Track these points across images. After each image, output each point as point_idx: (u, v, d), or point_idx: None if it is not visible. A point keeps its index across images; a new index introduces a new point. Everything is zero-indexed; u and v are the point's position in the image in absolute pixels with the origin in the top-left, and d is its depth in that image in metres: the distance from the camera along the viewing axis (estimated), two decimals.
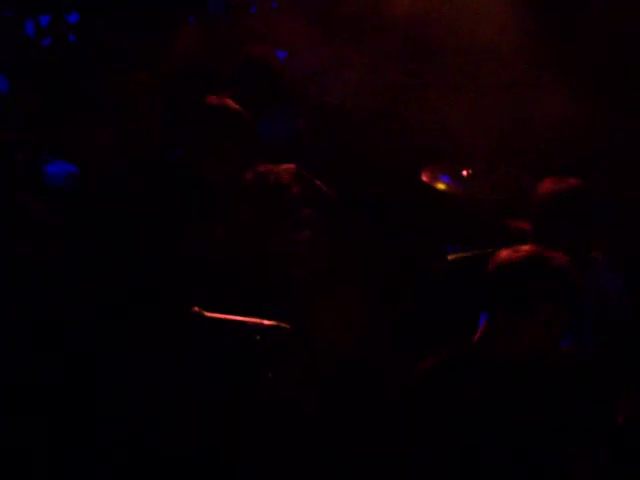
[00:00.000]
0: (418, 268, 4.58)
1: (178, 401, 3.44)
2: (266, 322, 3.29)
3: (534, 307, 3.11)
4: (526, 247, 3.19)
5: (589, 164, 5.00)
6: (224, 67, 5.33)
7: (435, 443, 3.05)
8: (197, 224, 3.77)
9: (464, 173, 4.81)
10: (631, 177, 4.94)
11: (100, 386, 3.39)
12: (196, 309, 3.31)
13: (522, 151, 5.26)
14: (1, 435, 3.21)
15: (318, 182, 4.17)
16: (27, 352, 3.31)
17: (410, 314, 4.26)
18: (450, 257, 4.30)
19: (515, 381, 3.12)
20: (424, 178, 4.74)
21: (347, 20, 5.73)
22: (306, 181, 3.98)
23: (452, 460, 3.04)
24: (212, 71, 5.44)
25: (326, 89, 5.55)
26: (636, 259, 4.30)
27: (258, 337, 3.28)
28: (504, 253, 3.18)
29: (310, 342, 3.52)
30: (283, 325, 3.30)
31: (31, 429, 3.24)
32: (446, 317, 4.06)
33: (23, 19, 5.82)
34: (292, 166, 3.89)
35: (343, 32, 5.71)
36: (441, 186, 4.75)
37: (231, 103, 4.07)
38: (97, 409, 3.35)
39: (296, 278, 3.74)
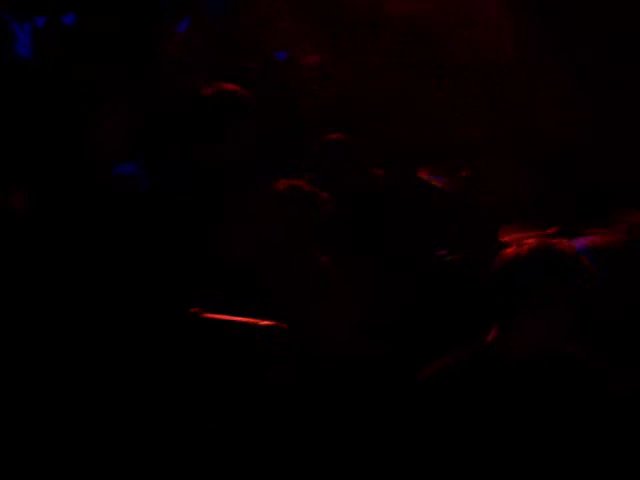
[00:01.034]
0: (417, 268, 4.59)
1: (176, 402, 3.45)
2: (263, 322, 3.30)
3: (551, 298, 3.06)
4: (529, 240, 3.16)
5: (589, 165, 5.03)
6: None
7: (446, 441, 3.05)
8: (209, 224, 3.76)
9: (461, 174, 4.84)
10: (631, 178, 4.94)
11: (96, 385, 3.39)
12: (194, 309, 3.32)
13: (520, 151, 5.28)
14: None
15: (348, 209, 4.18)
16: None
17: (410, 314, 4.26)
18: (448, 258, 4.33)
19: (531, 379, 3.10)
20: (423, 176, 4.75)
21: (347, 21, 5.75)
22: (337, 206, 3.99)
23: (463, 458, 3.04)
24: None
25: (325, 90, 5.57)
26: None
27: (256, 337, 3.29)
28: (509, 250, 3.15)
29: (310, 343, 3.52)
30: (281, 325, 3.31)
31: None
32: (445, 317, 4.07)
33: (19, 21, 5.82)
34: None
35: (343, 33, 5.73)
36: (438, 184, 4.78)
37: (231, 87, 4.03)
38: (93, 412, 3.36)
39: (300, 282, 3.75)
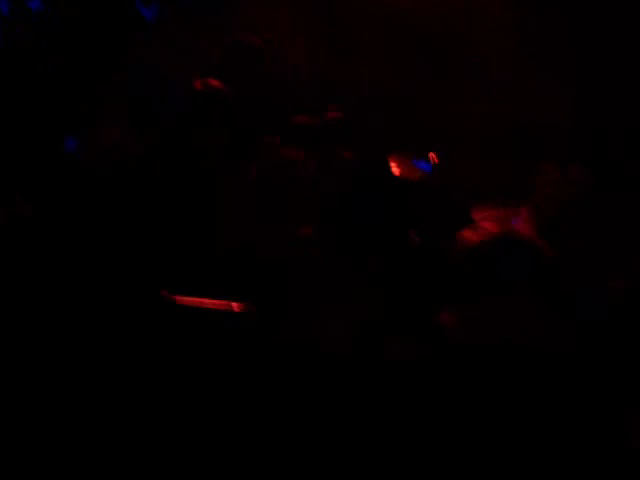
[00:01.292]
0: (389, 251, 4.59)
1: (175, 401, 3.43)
2: (234, 304, 3.31)
3: (517, 288, 3.00)
4: (487, 225, 3.11)
5: (588, 165, 5.06)
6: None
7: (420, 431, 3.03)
8: (198, 209, 3.77)
9: (429, 159, 4.87)
10: (629, 178, 4.95)
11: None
12: (165, 293, 3.32)
13: (520, 151, 5.29)
14: None
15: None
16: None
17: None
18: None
19: (494, 368, 3.01)
20: (393, 168, 4.78)
21: (349, 21, 5.77)
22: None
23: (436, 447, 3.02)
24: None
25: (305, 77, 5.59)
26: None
27: (225, 320, 3.30)
28: (470, 235, 3.06)
29: (310, 341, 3.49)
30: (250, 307, 3.32)
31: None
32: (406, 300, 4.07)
33: None
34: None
35: (345, 33, 5.76)
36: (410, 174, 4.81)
37: (215, 83, 4.09)
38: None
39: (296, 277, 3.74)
